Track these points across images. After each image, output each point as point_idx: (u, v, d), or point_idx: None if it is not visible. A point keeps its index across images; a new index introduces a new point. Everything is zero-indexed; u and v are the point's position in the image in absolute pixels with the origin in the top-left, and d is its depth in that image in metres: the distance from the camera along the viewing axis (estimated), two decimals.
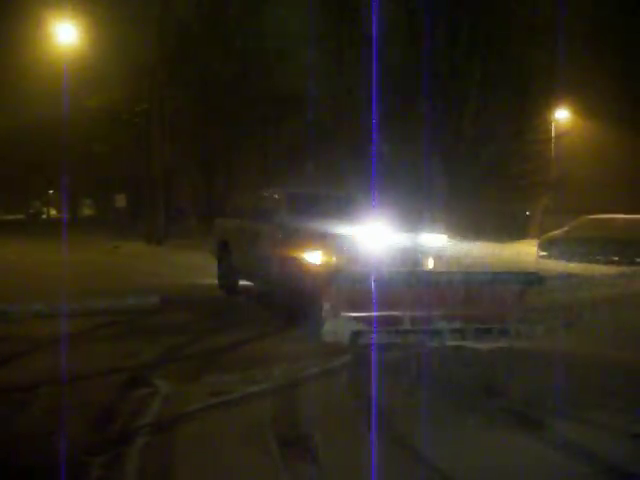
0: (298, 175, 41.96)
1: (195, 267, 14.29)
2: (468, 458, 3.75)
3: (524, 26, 18.01)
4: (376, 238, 8.07)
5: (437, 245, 9.11)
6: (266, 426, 4.19)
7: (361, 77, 25.91)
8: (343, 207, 9.68)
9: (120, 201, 26.17)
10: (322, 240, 7.87)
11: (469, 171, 16.08)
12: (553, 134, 23.30)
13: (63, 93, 20.40)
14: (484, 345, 6.45)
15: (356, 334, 6.54)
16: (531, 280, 7.65)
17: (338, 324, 6.56)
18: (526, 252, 24.22)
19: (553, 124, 24.17)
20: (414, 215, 29.86)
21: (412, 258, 8.26)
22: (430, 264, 8.55)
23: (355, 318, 6.58)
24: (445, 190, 16.07)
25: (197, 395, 4.83)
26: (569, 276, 15.50)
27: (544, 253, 22.68)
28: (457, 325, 6.83)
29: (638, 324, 8.07)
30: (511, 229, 35.90)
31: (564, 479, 3.60)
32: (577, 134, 27.58)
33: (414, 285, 6.91)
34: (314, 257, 7.75)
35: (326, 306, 6.64)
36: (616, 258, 20.66)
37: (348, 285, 6.62)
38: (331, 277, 6.83)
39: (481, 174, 15.93)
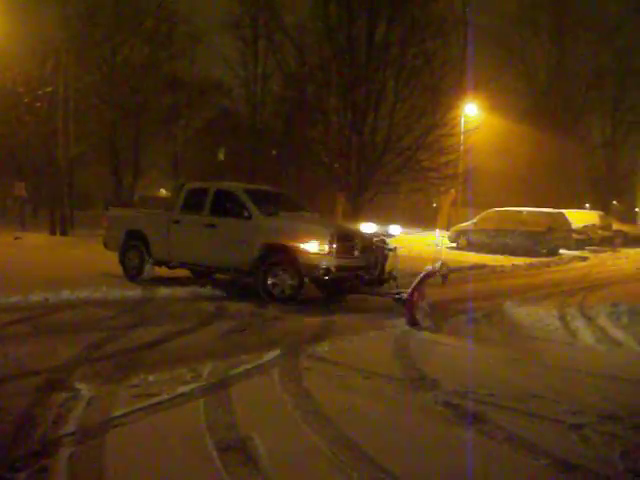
0: (208, 165, 41.30)
1: (99, 259, 13.33)
2: None
3: (437, 22, 18.37)
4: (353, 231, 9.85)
5: None
6: (202, 430, 3.96)
7: (276, 67, 25.72)
8: (282, 201, 10.89)
9: (19, 189, 24.58)
10: (317, 232, 9.15)
11: (385, 164, 16.26)
12: (462, 129, 24.00)
13: None
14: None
15: None
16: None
17: None
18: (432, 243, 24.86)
19: (462, 119, 24.88)
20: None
21: None
22: None
23: None
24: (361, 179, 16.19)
25: (122, 398, 4.52)
26: (481, 266, 16.05)
27: (453, 244, 23.38)
28: None
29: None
30: (420, 221, 36.89)
31: None
32: (484, 129, 28.51)
33: None
34: (311, 246, 8.98)
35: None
36: (521, 249, 21.58)
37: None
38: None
39: (396, 166, 16.12)
